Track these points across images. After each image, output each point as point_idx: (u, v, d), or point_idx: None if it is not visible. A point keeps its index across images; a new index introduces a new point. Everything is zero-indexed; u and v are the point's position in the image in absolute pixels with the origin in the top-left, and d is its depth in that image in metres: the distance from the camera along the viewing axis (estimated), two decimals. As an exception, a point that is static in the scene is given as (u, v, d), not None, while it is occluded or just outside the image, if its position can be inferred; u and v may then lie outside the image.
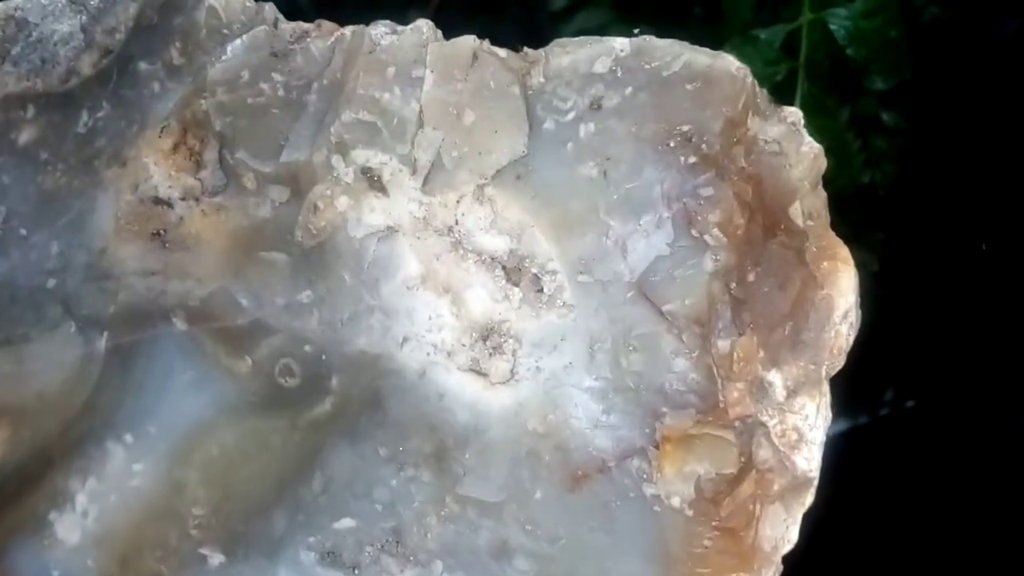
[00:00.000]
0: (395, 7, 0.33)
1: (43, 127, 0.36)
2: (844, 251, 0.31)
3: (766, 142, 0.32)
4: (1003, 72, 0.43)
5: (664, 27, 0.34)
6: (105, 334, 0.36)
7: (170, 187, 0.37)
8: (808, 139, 0.31)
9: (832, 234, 0.32)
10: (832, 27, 0.40)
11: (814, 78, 0.31)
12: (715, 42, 0.42)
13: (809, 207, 0.32)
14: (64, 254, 0.36)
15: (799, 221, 0.32)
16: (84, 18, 0.34)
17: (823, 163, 0.32)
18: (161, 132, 0.36)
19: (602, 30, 0.42)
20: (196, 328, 0.35)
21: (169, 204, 0.37)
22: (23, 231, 0.36)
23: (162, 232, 0.36)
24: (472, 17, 0.32)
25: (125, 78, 0.36)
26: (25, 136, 0.36)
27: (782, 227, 0.31)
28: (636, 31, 0.32)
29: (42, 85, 0.36)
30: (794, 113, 0.31)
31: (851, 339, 0.30)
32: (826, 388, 0.30)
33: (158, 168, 0.37)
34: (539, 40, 0.34)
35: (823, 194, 0.33)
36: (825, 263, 0.31)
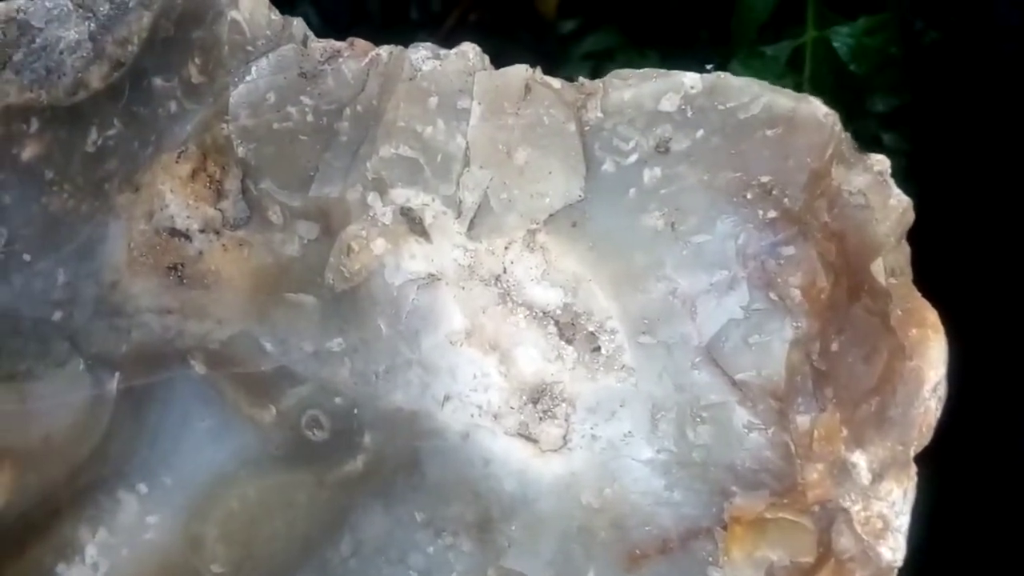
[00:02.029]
0: (404, 30, 0.29)
1: (48, 143, 0.35)
2: (933, 315, 0.32)
3: (851, 194, 0.31)
4: (1002, 95, 0.45)
5: (672, 49, 0.31)
6: (117, 375, 0.35)
7: (188, 217, 0.36)
8: (897, 191, 0.32)
9: (917, 294, 0.32)
10: (835, 44, 0.43)
11: (818, 93, 0.32)
12: (723, 61, 0.45)
13: (892, 263, 0.32)
14: (72, 285, 0.36)
15: (882, 279, 0.32)
16: (93, 25, 0.36)
17: (911, 217, 0.32)
18: (179, 157, 0.36)
19: (611, 53, 0.39)
20: (216, 373, 0.35)
21: (187, 236, 0.36)
22: (27, 256, 0.36)
23: (179, 267, 0.36)
24: (483, 40, 0.34)
25: (138, 94, 0.36)
26: (28, 152, 0.35)
27: (865, 287, 0.31)
28: (709, 67, 0.28)
29: (47, 97, 0.35)
30: (881, 161, 0.33)
31: (939, 413, 0.26)
32: (914, 471, 0.29)
33: (175, 196, 0.36)
34: (549, 63, 0.34)
35: (907, 249, 0.33)
36: (914, 330, 0.32)
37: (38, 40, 0.36)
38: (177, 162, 0.35)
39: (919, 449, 0.30)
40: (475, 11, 0.54)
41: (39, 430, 0.35)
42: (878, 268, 0.31)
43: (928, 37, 0.42)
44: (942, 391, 0.30)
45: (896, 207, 0.30)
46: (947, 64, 0.43)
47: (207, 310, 0.35)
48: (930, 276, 0.32)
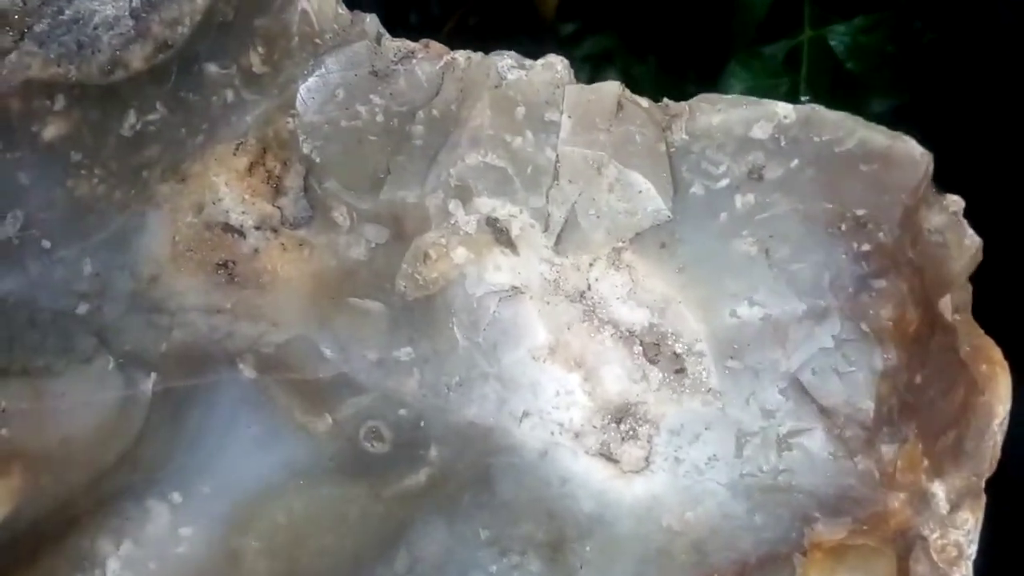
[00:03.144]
0: (404, 34, 0.29)
1: (76, 123, 0.33)
2: (997, 352, 0.32)
3: (930, 232, 0.32)
4: (1001, 95, 0.45)
5: (671, 51, 0.33)
6: (153, 375, 0.33)
7: (243, 213, 0.34)
8: (970, 231, 0.32)
9: (980, 331, 0.33)
10: (832, 43, 0.43)
11: (815, 91, 0.35)
12: (721, 61, 0.45)
13: (956, 301, 0.32)
14: (100, 277, 0.34)
15: (948, 315, 0.32)
16: (135, 2, 0.33)
17: (980, 257, 0.33)
18: (236, 149, 0.34)
19: (609, 56, 0.40)
20: (267, 377, 0.34)
21: (241, 233, 0.34)
22: (46, 242, 0.34)
23: (231, 264, 0.34)
24: (482, 43, 0.32)
25: (188, 80, 0.34)
26: (51, 131, 0.33)
27: (938, 323, 0.33)
28: (804, 99, 0.29)
29: (76, 74, 0.33)
30: (956, 202, 0.32)
31: (1000, 446, 0.28)
32: (984, 500, 0.32)
33: (230, 190, 0.34)
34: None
35: (969, 287, 0.33)
36: (984, 366, 0.32)
37: (67, 12, 0.34)
38: (234, 154, 0.34)
39: (987, 479, 0.31)
40: (474, 14, 0.54)
41: (56, 431, 0.33)
42: (946, 305, 0.32)
43: (926, 37, 0.43)
44: (1005, 425, 0.31)
45: (969, 247, 0.31)
46: (945, 63, 0.43)
47: (261, 311, 0.34)
48: None
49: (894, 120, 0.45)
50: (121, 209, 0.35)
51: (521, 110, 0.33)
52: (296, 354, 0.33)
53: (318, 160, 0.33)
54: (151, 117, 0.33)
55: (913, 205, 0.30)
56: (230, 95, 0.34)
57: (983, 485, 0.31)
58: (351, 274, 0.33)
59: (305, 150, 0.33)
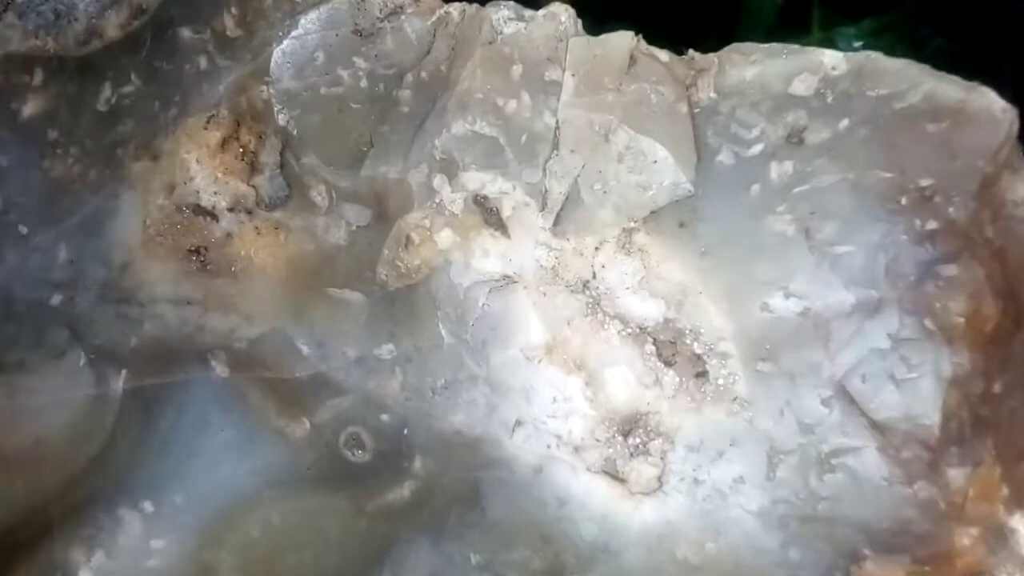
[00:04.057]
0: None
1: (53, 98, 0.32)
2: None
3: (1016, 205, 0.27)
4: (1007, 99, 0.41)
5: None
6: (124, 372, 0.32)
7: (216, 193, 0.32)
8: None
9: None
10: (840, 45, 0.42)
11: None
12: None
13: None
14: (75, 264, 0.32)
15: None
16: None
17: None
18: (208, 122, 0.32)
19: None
20: (240, 376, 0.31)
21: (213, 215, 0.32)
22: (23, 228, 0.32)
23: (202, 250, 0.32)
24: None
25: (162, 47, 0.32)
26: (30, 108, 0.32)
27: None
28: (857, 45, 0.23)
29: (55, 45, 0.31)
30: None
31: None
32: None
33: (201, 168, 0.32)
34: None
35: None
36: None
37: (46, -19, 0.32)
38: (206, 128, 0.31)
39: None
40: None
41: (30, 431, 0.32)
42: None
43: (934, 44, 0.43)
44: None
45: None
46: (952, 68, 0.42)
47: (233, 303, 0.31)
48: None
49: None
50: (95, 190, 0.33)
51: (517, 68, 0.29)
52: (271, 350, 0.31)
53: (295, 132, 0.31)
54: (126, 89, 0.32)
55: (993, 173, 0.25)
56: (203, 62, 0.32)
57: None
58: (329, 261, 0.30)
59: (281, 121, 0.31)
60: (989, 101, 0.25)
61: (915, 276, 0.26)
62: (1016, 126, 0.25)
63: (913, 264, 0.25)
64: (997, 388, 0.25)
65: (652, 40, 0.28)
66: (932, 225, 0.25)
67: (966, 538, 0.25)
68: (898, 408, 0.26)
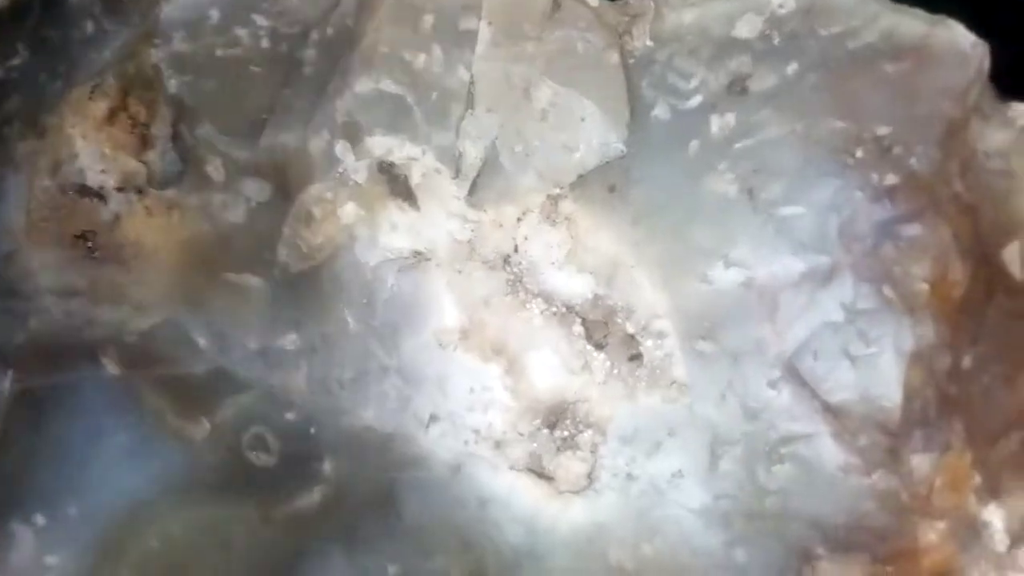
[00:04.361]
0: None
1: None
2: None
3: (988, 156, 0.25)
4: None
5: None
6: (10, 373, 0.30)
7: (103, 171, 0.30)
8: None
9: None
10: None
11: None
12: None
13: None
14: None
15: (1016, 271, 0.25)
16: None
17: None
18: (92, 92, 0.30)
19: None
20: (133, 374, 0.29)
21: (100, 196, 0.30)
22: None
23: (89, 235, 0.30)
24: None
25: (50, 14, 0.30)
26: None
27: (1000, 282, 0.25)
28: None
29: None
30: None
31: None
32: None
33: (87, 144, 0.30)
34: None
35: None
36: None
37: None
38: (90, 99, 0.29)
39: None
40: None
41: None
42: (1012, 255, 0.24)
43: None
44: None
45: None
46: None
47: (123, 292, 0.29)
48: None
49: None
50: (-19, 175, 0.30)
51: (429, 19, 0.27)
52: (165, 344, 0.29)
53: (188, 100, 0.28)
54: (14, 62, 0.30)
55: (960, 118, 0.22)
56: (90, 26, 0.30)
57: None
58: (227, 242, 0.28)
59: (172, 88, 0.29)
60: (956, 35, 0.22)
61: (872, 238, 0.23)
62: (987, 63, 0.22)
63: (870, 225, 0.23)
64: (967, 363, 0.23)
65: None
66: (891, 180, 0.23)
67: (932, 533, 0.23)
68: (854, 389, 0.23)
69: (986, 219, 0.23)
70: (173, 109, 0.28)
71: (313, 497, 0.27)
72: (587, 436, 0.25)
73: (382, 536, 0.27)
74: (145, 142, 0.29)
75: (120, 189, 0.29)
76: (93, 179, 0.29)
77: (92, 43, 0.29)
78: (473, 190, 0.26)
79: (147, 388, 0.29)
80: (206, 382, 0.28)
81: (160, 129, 0.30)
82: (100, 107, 0.29)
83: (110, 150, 0.29)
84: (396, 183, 0.26)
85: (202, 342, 0.29)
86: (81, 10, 0.29)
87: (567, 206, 0.25)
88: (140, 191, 0.29)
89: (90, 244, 0.30)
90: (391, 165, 0.26)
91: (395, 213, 0.26)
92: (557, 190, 0.26)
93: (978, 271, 0.22)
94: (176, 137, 0.29)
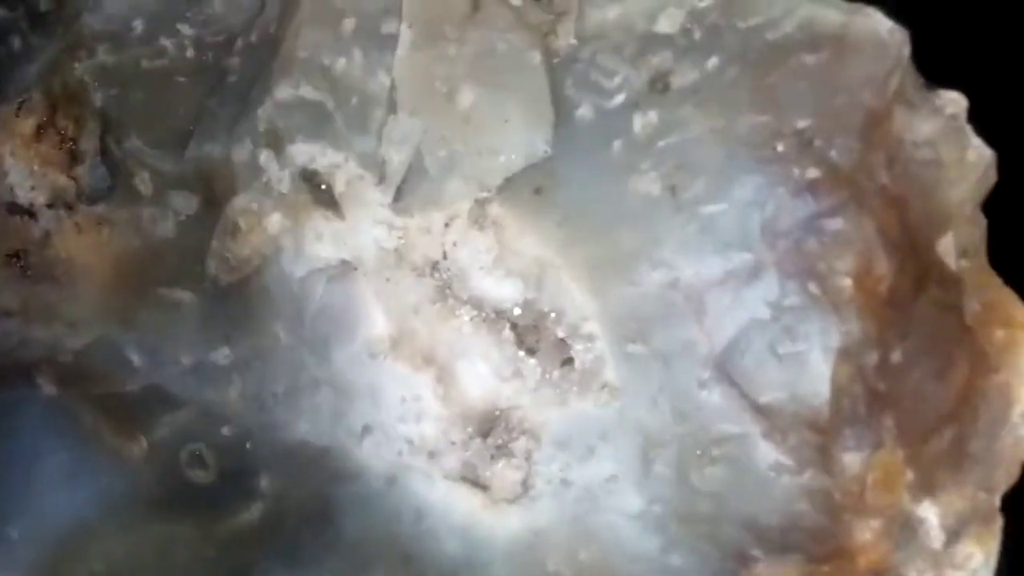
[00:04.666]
0: None
1: None
2: (1021, 311, 0.24)
3: (915, 146, 0.24)
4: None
5: None
6: None
7: (32, 189, 0.30)
8: (976, 141, 0.24)
9: (998, 281, 0.25)
10: None
11: None
12: None
13: (964, 240, 0.25)
14: None
15: (951, 262, 0.24)
16: None
17: (993, 177, 0.25)
18: (19, 109, 0.30)
19: None
20: (69, 393, 0.29)
21: (31, 214, 0.30)
22: None
23: (22, 254, 0.30)
24: None
25: None
26: None
27: (932, 274, 0.24)
28: None
29: None
30: (955, 101, 0.24)
31: None
32: (999, 525, 0.24)
33: (15, 161, 0.30)
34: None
35: (983, 221, 0.26)
36: (998, 331, 0.24)
37: None
38: (17, 116, 0.29)
39: (1004, 492, 0.23)
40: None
41: None
42: (947, 247, 0.24)
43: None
44: None
45: (976, 164, 0.23)
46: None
47: (56, 310, 0.29)
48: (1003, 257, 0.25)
49: None
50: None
51: (350, 22, 0.27)
52: (99, 362, 0.30)
53: (115, 114, 0.29)
54: None
55: (882, 108, 0.23)
56: (16, 42, 0.30)
57: (998, 503, 0.23)
58: (157, 256, 0.29)
59: (98, 102, 0.29)
60: (874, 23, 0.23)
61: (795, 234, 0.24)
62: (907, 50, 0.22)
63: (792, 220, 0.23)
64: (896, 358, 0.23)
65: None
66: (813, 173, 0.23)
67: (867, 532, 0.23)
68: (783, 387, 0.24)
69: (916, 210, 0.23)
70: (100, 123, 0.29)
71: (252, 513, 0.28)
72: (521, 443, 0.25)
73: (322, 551, 0.27)
74: (74, 157, 0.31)
75: (50, 206, 0.30)
76: (23, 197, 0.29)
77: (19, 59, 0.29)
78: (398, 196, 0.26)
79: (84, 407, 0.30)
80: (141, 399, 0.30)
81: (88, 144, 0.31)
82: (28, 124, 0.30)
83: (39, 167, 0.31)
84: (320, 192, 0.26)
85: (136, 359, 0.29)
86: (7, 26, 0.32)
87: (494, 210, 0.26)
88: (70, 207, 0.31)
89: (22, 263, 0.31)
90: (314, 173, 0.26)
91: (320, 222, 0.26)
92: (484, 194, 0.26)
93: (906, 264, 0.22)
94: (104, 151, 0.29)
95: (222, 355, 0.28)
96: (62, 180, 0.30)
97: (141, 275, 0.29)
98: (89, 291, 0.30)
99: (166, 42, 0.28)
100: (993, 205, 0.26)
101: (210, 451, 0.28)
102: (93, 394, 0.29)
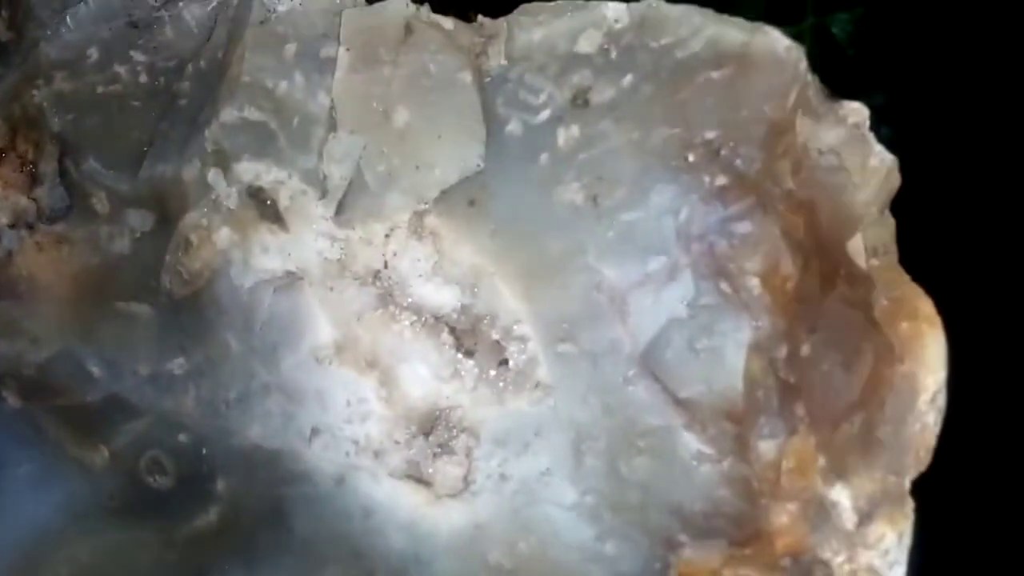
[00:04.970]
0: None
1: None
2: (927, 305, 0.26)
3: (821, 153, 0.26)
4: (997, 84, 0.45)
5: None
6: None
7: None
8: (878, 148, 0.26)
9: (906, 278, 0.26)
10: (834, 30, 0.43)
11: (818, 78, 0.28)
12: None
13: (873, 240, 0.26)
14: None
15: (862, 261, 0.26)
16: None
17: (897, 181, 0.26)
18: None
19: None
20: (33, 405, 0.30)
21: None
22: None
23: None
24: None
25: None
26: None
27: (841, 272, 0.26)
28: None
29: None
30: (857, 111, 0.26)
31: (938, 430, 0.20)
32: (910, 507, 0.25)
33: None
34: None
35: (891, 222, 0.27)
36: (904, 324, 0.25)
37: None
38: None
39: (915, 477, 0.24)
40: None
41: None
42: (856, 247, 0.25)
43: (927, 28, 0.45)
44: (942, 401, 0.25)
45: (878, 168, 0.25)
46: (944, 55, 0.44)
47: (19, 326, 0.30)
48: (916, 257, 0.26)
49: (895, 110, 0.40)
50: None
51: (291, 47, 0.28)
52: (60, 375, 0.32)
53: (72, 138, 0.30)
54: None
55: (783, 119, 0.24)
56: None
57: (907, 486, 0.24)
58: (115, 272, 0.32)
59: (56, 127, 0.29)
60: (772, 41, 0.24)
61: (708, 237, 0.26)
62: (804, 64, 0.24)
63: (704, 225, 0.25)
64: (805, 351, 0.24)
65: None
66: (721, 181, 0.25)
67: (784, 515, 0.24)
68: (701, 381, 0.25)
69: (825, 213, 0.25)
70: (58, 146, 0.30)
71: (210, 517, 0.30)
72: (461, 440, 0.26)
73: (277, 551, 0.29)
74: (34, 179, 0.33)
75: (12, 226, 0.31)
76: None
77: None
78: (340, 210, 0.28)
79: (47, 418, 0.32)
80: (102, 410, 0.32)
81: (47, 166, 0.32)
82: None
83: (1, 189, 0.31)
84: (265, 207, 0.28)
85: (96, 371, 0.30)
86: None
87: (431, 221, 0.27)
88: (31, 227, 0.33)
89: None
90: (259, 189, 0.28)
91: (266, 236, 0.28)
92: (421, 206, 0.27)
93: (811, 262, 0.24)
94: (63, 173, 0.30)
95: (177, 365, 0.29)
96: (23, 201, 0.32)
97: (99, 290, 0.30)
98: (50, 307, 0.31)
99: (120, 68, 0.29)
100: (904, 207, 0.27)
101: (168, 457, 0.29)
102: (56, 405, 0.31)
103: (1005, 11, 0.43)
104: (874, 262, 0.26)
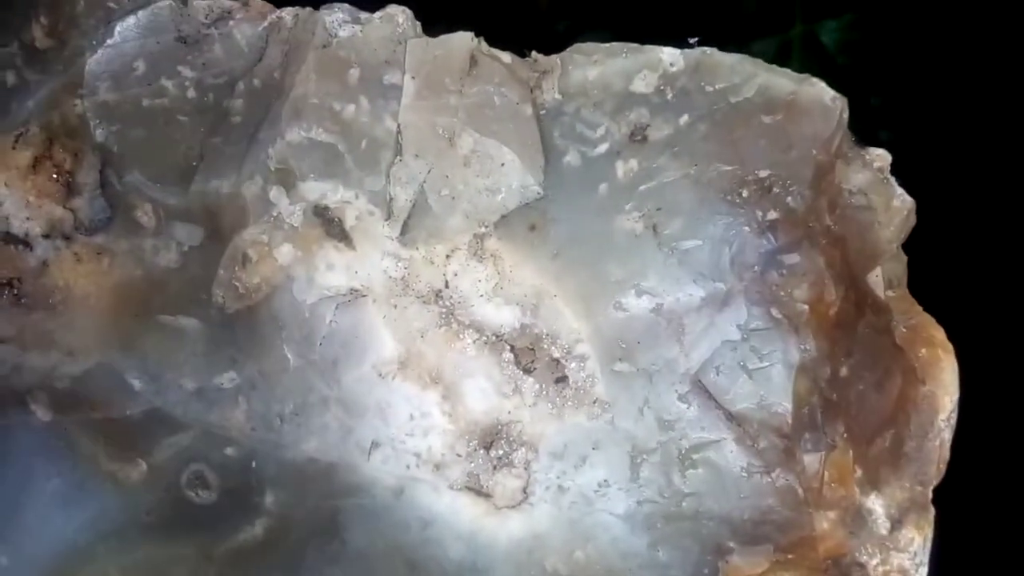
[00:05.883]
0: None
1: None
2: (940, 333, 0.29)
3: (851, 193, 0.28)
4: (993, 84, 0.47)
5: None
6: None
7: (28, 219, 0.30)
8: (900, 191, 0.29)
9: (919, 308, 0.30)
10: (823, 39, 0.43)
11: None
12: None
13: (889, 273, 0.29)
14: None
15: (880, 292, 0.29)
16: None
17: (913, 221, 0.30)
18: (16, 141, 0.30)
19: None
20: (66, 418, 0.30)
21: (26, 243, 0.30)
22: None
23: (15, 282, 0.30)
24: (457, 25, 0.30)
25: None
26: None
27: (868, 302, 0.26)
28: (692, 41, 0.24)
29: None
30: (882, 156, 0.30)
31: (949, 446, 0.24)
32: (932, 514, 0.29)
33: (10, 192, 0.30)
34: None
35: (904, 257, 0.31)
36: (923, 350, 0.28)
37: None
38: (14, 148, 0.30)
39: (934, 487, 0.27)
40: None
41: None
42: (876, 279, 0.28)
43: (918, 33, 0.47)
44: (954, 420, 0.27)
45: (900, 209, 0.28)
46: (933, 61, 0.46)
47: (53, 338, 0.31)
48: (916, 256, 0.29)
49: (890, 112, 0.43)
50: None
51: (355, 72, 0.30)
52: (98, 387, 0.34)
53: (116, 149, 0.31)
54: None
55: (827, 161, 0.28)
56: (11, 77, 0.31)
57: (930, 495, 0.27)
58: (160, 286, 0.34)
59: (99, 137, 0.31)
60: (819, 91, 0.28)
61: (759, 267, 0.29)
62: (845, 114, 0.27)
63: (756, 255, 0.29)
64: (844, 372, 0.27)
65: (637, 35, 0.28)
66: (772, 215, 0.28)
67: (826, 522, 0.27)
68: (752, 398, 0.29)
69: (853, 248, 0.28)
70: (100, 157, 0.31)
71: (255, 530, 0.31)
72: (521, 454, 0.28)
73: (328, 564, 0.30)
74: (71, 189, 0.35)
75: (47, 236, 0.36)
76: (18, 227, 0.31)
77: (14, 94, 0.31)
78: (404, 230, 0.29)
79: (80, 432, 0.35)
80: (142, 424, 0.34)
81: (87, 176, 0.34)
82: (24, 156, 0.32)
83: (35, 198, 0.35)
84: (331, 225, 0.29)
85: (137, 384, 0.31)
86: (2, 61, 0.32)
87: (492, 243, 0.29)
88: (67, 237, 0.34)
89: (16, 291, 0.32)
90: (326, 208, 0.29)
91: (331, 253, 0.29)
92: (482, 229, 0.28)
93: (848, 293, 0.27)
94: (104, 184, 0.32)
95: (227, 378, 0.32)
96: (59, 211, 0.33)
97: (143, 303, 0.32)
98: (88, 318, 0.34)
99: (167, 82, 0.31)
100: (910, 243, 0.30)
101: (213, 471, 0.31)
102: (90, 419, 0.34)
103: (994, 13, 0.43)
104: (890, 293, 0.29)
